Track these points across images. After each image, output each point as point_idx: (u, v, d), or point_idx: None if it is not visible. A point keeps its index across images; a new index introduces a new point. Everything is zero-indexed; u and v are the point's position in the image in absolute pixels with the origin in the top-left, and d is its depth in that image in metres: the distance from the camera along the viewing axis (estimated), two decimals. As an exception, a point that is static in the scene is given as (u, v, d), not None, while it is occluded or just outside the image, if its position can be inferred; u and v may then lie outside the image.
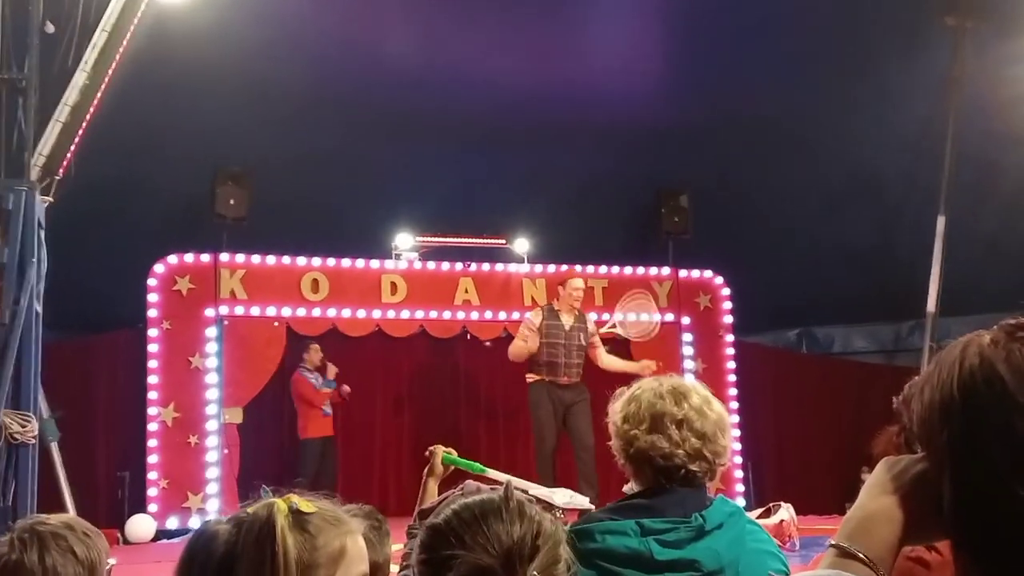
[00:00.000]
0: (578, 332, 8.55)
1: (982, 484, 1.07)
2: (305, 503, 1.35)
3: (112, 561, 2.15)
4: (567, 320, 8.55)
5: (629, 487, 2.37)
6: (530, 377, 8.54)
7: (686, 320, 11.52)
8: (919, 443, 1.17)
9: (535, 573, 1.35)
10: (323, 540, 1.32)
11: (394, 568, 2.65)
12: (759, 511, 7.99)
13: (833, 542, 1.16)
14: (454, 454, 3.50)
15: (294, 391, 10.21)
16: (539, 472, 8.06)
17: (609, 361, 8.84)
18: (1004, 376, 1.08)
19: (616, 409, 2.34)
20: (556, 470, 8.39)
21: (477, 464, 3.67)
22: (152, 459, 9.70)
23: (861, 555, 1.13)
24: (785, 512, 7.79)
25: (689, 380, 2.45)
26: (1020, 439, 1.05)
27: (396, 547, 2.83)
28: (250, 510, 1.34)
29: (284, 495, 1.37)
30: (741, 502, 10.09)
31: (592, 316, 9.12)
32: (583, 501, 3.54)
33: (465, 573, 1.35)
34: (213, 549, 1.32)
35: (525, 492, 1.90)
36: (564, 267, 11.15)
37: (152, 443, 9.72)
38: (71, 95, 7.25)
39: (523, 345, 8.48)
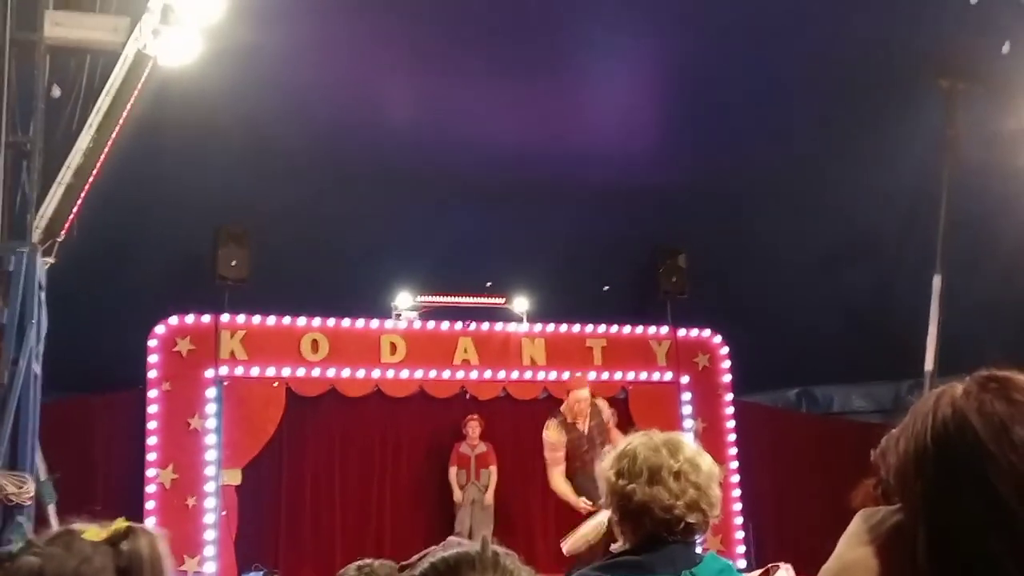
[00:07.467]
0: (596, 429, 7.71)
1: (956, 533, 1.08)
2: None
3: None
4: (583, 425, 7.71)
5: (617, 546, 2.37)
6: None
7: (685, 379, 11.50)
8: (895, 494, 1.18)
9: None
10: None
11: None
12: (758, 572, 7.90)
13: (811, 592, 1.18)
14: None
15: None
16: None
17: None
18: (976, 426, 1.10)
19: (606, 466, 2.35)
20: None
21: None
22: (150, 521, 9.62)
23: None
24: (784, 573, 7.68)
25: (676, 434, 2.47)
26: (992, 488, 1.06)
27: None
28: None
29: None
30: (742, 563, 9.98)
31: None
32: None
33: None
34: None
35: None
36: (563, 327, 11.18)
37: (150, 505, 9.65)
38: (75, 158, 7.31)
39: (561, 476, 7.64)
